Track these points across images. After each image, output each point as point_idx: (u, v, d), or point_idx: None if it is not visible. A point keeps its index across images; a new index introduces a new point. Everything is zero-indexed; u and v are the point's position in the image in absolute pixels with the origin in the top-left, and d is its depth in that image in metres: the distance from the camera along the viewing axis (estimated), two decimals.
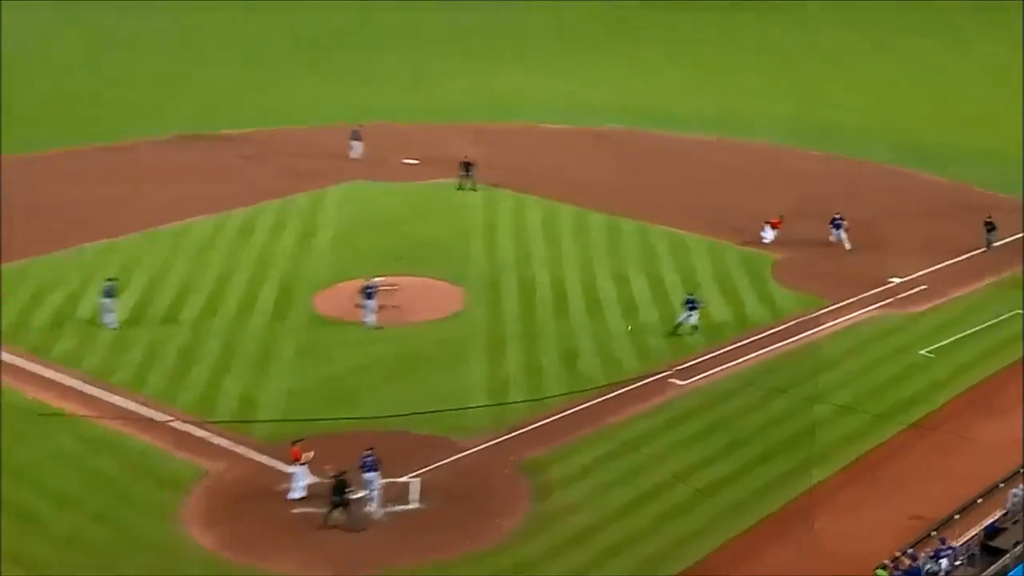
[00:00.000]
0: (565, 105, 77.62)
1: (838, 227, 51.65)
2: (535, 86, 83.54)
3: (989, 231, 51.86)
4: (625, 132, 71.89)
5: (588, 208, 56.97)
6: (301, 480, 33.19)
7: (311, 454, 33.37)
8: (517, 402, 38.55)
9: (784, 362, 41.57)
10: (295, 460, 33.30)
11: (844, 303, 46.24)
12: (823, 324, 44.46)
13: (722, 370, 40.88)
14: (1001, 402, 38.99)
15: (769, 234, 51.98)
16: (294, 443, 33.67)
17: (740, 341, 42.89)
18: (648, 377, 40.19)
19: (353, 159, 64.49)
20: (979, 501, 30.14)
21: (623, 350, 42.34)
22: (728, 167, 65.18)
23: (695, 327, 43.40)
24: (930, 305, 46.54)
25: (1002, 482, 30.90)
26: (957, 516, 29.48)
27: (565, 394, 39.00)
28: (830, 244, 51.96)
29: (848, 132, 71.23)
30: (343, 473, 32.12)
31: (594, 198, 58.46)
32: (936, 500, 32.04)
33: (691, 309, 43.35)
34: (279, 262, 50.27)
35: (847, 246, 51.24)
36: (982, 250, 51.59)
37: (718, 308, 45.81)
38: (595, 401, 38.67)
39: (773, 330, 43.85)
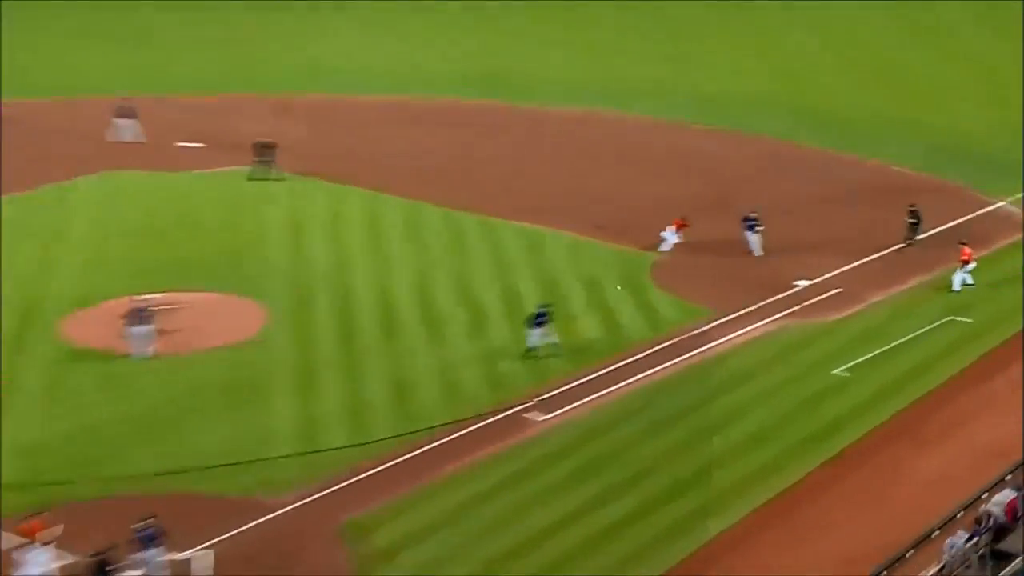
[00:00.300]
0: (394, 72, 77.71)
1: (752, 229, 52.25)
2: (355, 47, 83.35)
3: (912, 223, 53.17)
4: (471, 105, 72.14)
5: (423, 200, 57.26)
6: (42, 564, 31.90)
7: (57, 529, 32.26)
8: (336, 448, 38.20)
9: (670, 387, 42.00)
10: (32, 538, 32.03)
11: (742, 312, 46.91)
12: (716, 339, 45.03)
13: (594, 399, 41.07)
14: (936, 427, 39.79)
15: (671, 238, 52.26)
16: (31, 516, 32.50)
17: (615, 362, 43.21)
18: (501, 411, 40.22)
19: (119, 141, 63.21)
20: (910, 554, 30.32)
21: (469, 378, 42.35)
22: (599, 147, 65.96)
23: (556, 345, 43.57)
24: (846, 312, 47.40)
25: (938, 529, 31.12)
26: (884, 573, 29.58)
27: (397, 436, 38.78)
28: (723, 241, 52.65)
29: (744, 103, 72.90)
30: (106, 551, 31.08)
31: (431, 188, 58.58)
32: (859, 553, 32.29)
33: (540, 324, 43.48)
34: (14, 277, 48.86)
35: (757, 252, 52.00)
36: (904, 245, 52.98)
37: (587, 322, 46.08)
38: (435, 443, 38.58)
39: (656, 348, 44.29)
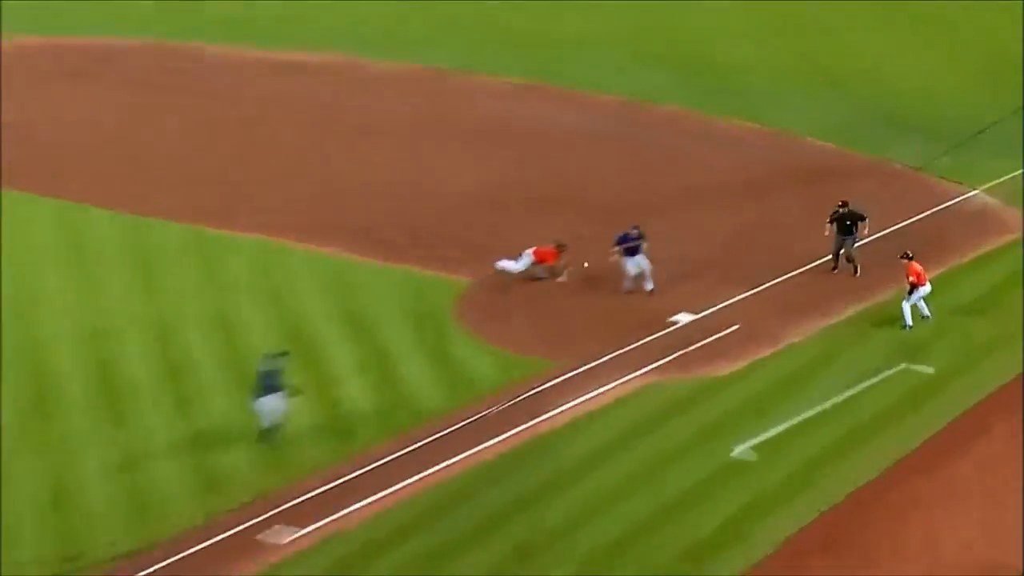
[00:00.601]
0: (104, 12, 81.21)
1: (634, 252, 51.86)
2: None
3: (844, 228, 52.99)
4: (168, 51, 77.00)
5: (90, 203, 58.74)
6: None
7: None
8: None
9: (482, 481, 41.69)
10: None
11: (592, 364, 47.11)
12: (554, 406, 44.96)
13: (366, 505, 40.29)
14: (881, 534, 39.12)
15: (524, 267, 52.25)
16: None
17: (399, 447, 42.89)
18: (221, 532, 39.28)
19: None
20: None
21: (168, 479, 41.66)
22: (363, 115, 68.11)
23: (283, 416, 43.21)
24: (748, 361, 47.59)
25: None
26: None
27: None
28: (566, 260, 52.88)
29: (581, 48, 75.45)
30: None
31: (102, 183, 60.45)
32: None
33: (273, 389, 42.75)
34: None
35: (648, 285, 51.88)
36: (832, 258, 53.44)
37: (355, 385, 46.22)
38: (155, 568, 37.74)
39: (461, 423, 44.07)
